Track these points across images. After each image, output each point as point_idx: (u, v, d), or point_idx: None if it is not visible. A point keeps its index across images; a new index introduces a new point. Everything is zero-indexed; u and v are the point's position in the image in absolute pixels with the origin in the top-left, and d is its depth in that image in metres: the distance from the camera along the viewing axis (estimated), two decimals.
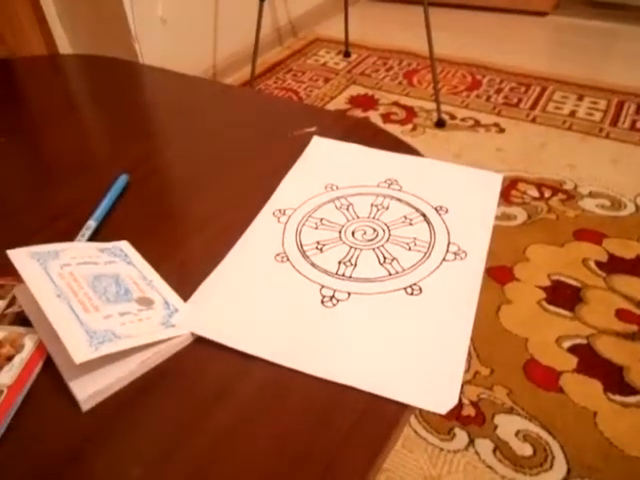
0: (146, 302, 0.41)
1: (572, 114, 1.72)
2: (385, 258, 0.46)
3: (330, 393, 0.36)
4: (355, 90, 1.92)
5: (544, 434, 0.84)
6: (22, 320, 0.41)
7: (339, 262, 0.46)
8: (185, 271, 0.45)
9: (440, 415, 0.35)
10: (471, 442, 0.84)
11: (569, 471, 0.80)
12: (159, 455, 0.33)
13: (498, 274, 1.13)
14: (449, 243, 0.47)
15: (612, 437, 0.83)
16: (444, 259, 0.45)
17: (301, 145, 0.61)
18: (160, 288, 0.43)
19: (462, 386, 0.95)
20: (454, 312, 0.41)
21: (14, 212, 0.53)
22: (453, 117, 1.73)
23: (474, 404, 0.89)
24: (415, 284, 0.43)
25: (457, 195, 0.52)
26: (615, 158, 1.50)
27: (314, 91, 1.92)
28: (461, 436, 0.84)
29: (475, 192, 0.53)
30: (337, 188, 0.54)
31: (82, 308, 0.38)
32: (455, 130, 1.66)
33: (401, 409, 0.35)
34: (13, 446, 0.34)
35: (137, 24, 1.54)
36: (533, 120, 1.70)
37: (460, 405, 0.89)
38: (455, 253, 0.46)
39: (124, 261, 0.45)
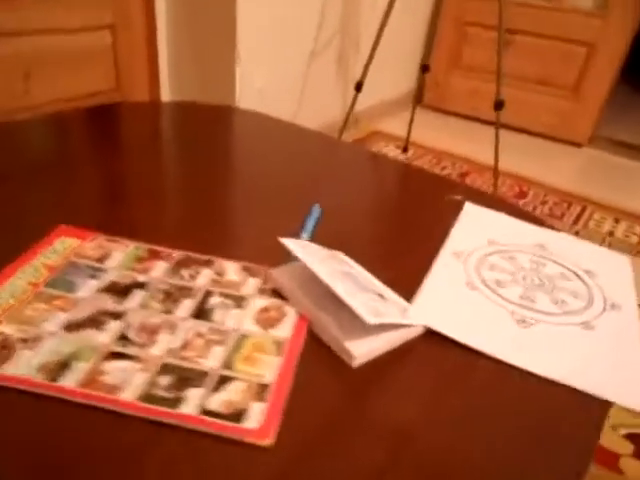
0: (382, 297, 0.52)
1: (611, 234, 1.89)
2: (557, 300, 0.57)
3: (548, 389, 0.45)
4: None
5: None
6: (275, 295, 0.52)
7: (520, 297, 0.57)
8: (394, 288, 0.56)
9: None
10: None
11: None
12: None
13: None
14: (605, 298, 0.58)
15: None
16: (604, 309, 0.56)
17: (453, 208, 0.74)
18: (384, 290, 0.54)
19: None
20: (628, 343, 0.51)
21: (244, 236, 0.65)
22: None
23: None
24: (588, 322, 0.54)
25: (597, 265, 0.64)
26: None
27: None
28: None
29: (610, 266, 0.65)
30: (498, 243, 0.66)
31: (346, 287, 0.49)
32: None
33: (605, 404, 0.44)
34: (301, 393, 0.43)
35: (240, 92, 1.74)
36: (576, 234, 1.86)
37: None
38: (612, 305, 0.57)
39: (348, 265, 0.56)
